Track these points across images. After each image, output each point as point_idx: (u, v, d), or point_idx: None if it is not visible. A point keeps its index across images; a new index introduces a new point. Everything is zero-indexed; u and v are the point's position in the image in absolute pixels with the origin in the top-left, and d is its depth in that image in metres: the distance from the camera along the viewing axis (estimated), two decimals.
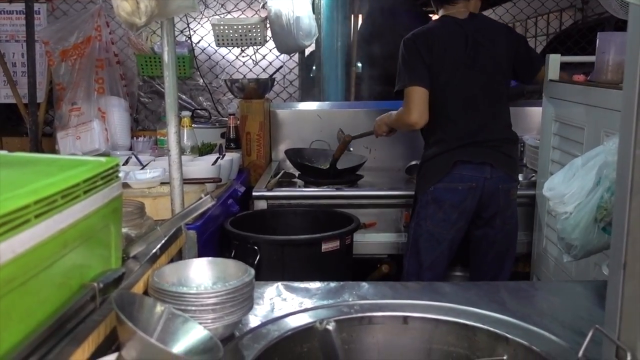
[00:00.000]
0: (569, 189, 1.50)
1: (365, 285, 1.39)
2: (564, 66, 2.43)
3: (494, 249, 2.35)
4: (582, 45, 3.65)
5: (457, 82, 2.29)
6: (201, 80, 3.58)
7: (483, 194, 2.25)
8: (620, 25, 2.96)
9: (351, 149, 2.98)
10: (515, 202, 2.36)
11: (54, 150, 3.18)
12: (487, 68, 2.32)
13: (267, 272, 2.17)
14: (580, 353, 0.98)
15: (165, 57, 1.40)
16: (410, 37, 2.35)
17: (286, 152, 3.04)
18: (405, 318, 1.21)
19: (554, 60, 2.41)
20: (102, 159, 0.98)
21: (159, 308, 0.97)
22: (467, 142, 2.25)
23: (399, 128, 2.54)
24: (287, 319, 1.20)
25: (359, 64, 3.67)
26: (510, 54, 2.37)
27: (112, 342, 0.94)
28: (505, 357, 1.12)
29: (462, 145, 2.25)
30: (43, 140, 3.26)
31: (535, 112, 3.09)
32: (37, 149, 3.12)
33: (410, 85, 2.27)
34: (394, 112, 2.47)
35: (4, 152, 1.00)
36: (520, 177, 2.81)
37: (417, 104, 2.26)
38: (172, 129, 1.43)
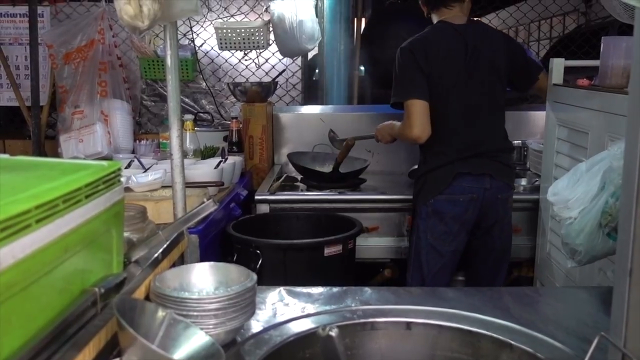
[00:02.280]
0: (573, 194, 1.49)
1: (368, 290, 1.38)
2: (567, 70, 2.42)
3: (492, 256, 2.34)
4: (585, 49, 3.64)
5: (457, 92, 2.25)
6: (204, 84, 3.58)
7: (483, 205, 2.24)
8: (625, 29, 2.95)
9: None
10: (511, 209, 2.36)
11: (56, 153, 3.17)
12: (487, 77, 2.28)
13: (269, 277, 2.16)
14: None
15: (168, 60, 1.40)
16: (407, 46, 2.28)
17: (289, 155, 3.04)
18: (408, 324, 1.21)
19: (558, 65, 2.40)
20: (104, 163, 0.98)
21: (161, 313, 0.96)
22: (467, 154, 2.23)
23: (402, 141, 2.51)
24: (290, 325, 1.19)
25: (362, 68, 3.67)
26: (508, 62, 2.33)
27: (113, 348, 0.93)
28: None
29: (463, 157, 2.23)
30: (46, 143, 3.27)
31: (538, 117, 3.08)
32: (40, 151, 3.13)
33: (410, 99, 2.23)
34: (397, 123, 2.44)
35: (5, 156, 0.99)
36: (523, 182, 2.81)
37: (418, 118, 2.21)
38: (174, 132, 1.43)
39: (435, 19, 2.37)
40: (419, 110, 2.21)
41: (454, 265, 2.32)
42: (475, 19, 2.41)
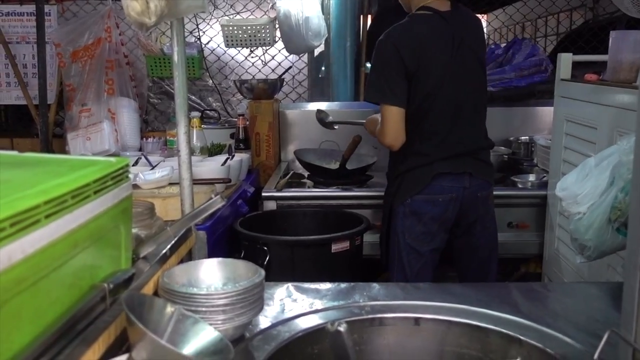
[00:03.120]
0: (582, 189, 1.48)
1: (376, 286, 1.38)
2: (575, 66, 2.41)
3: (477, 256, 2.24)
4: (593, 44, 3.62)
5: (444, 91, 2.09)
6: (210, 81, 3.59)
7: (462, 204, 2.14)
8: (633, 24, 2.93)
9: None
10: (493, 205, 2.26)
11: (64, 151, 3.19)
12: (473, 73, 2.15)
13: (277, 273, 2.16)
14: (596, 355, 0.96)
15: (175, 57, 1.40)
16: (391, 40, 2.08)
17: (295, 152, 3.03)
18: (416, 319, 1.20)
19: (566, 60, 2.39)
20: (112, 159, 0.98)
21: (169, 309, 0.96)
22: (449, 154, 2.12)
23: (377, 137, 2.33)
24: (298, 320, 1.19)
25: (368, 64, 3.66)
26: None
27: (122, 343, 0.93)
28: (518, 359, 1.10)
29: (444, 158, 2.12)
30: (53, 141, 3.28)
31: (546, 112, 3.06)
32: (48, 149, 3.14)
33: (386, 104, 2.09)
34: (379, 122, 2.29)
35: (14, 153, 0.99)
36: (531, 178, 2.79)
37: (392, 127, 2.09)
38: (181, 129, 1.43)
39: (415, 4, 2.17)
40: (394, 119, 2.08)
41: (435, 262, 2.23)
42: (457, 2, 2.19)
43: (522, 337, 1.11)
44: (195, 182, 1.86)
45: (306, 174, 2.94)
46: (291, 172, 2.95)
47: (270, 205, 2.64)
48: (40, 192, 0.75)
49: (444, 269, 2.47)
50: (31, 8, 3.31)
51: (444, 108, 2.11)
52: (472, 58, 2.13)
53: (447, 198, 2.12)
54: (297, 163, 3.03)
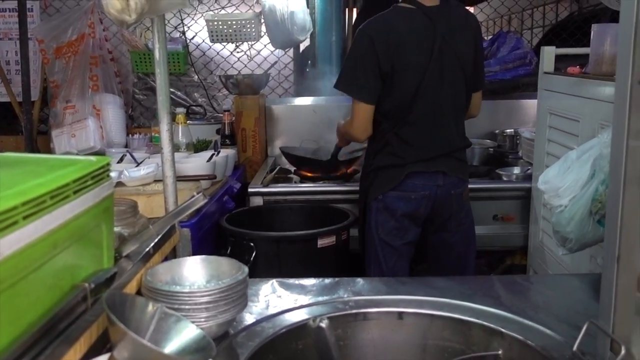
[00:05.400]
0: (563, 182, 1.50)
1: (360, 281, 1.39)
2: (560, 58, 2.42)
3: (454, 252, 2.23)
4: (577, 36, 3.64)
5: (423, 95, 2.05)
6: (196, 77, 3.57)
7: (436, 202, 2.13)
8: (616, 17, 2.94)
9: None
10: (469, 201, 2.25)
11: (49, 149, 3.17)
12: (454, 75, 2.08)
13: (264, 269, 2.16)
14: (575, 347, 0.98)
15: (157, 54, 1.39)
16: (367, 31, 2.05)
17: (281, 149, 3.02)
18: (400, 314, 1.21)
19: (549, 53, 2.40)
20: (93, 158, 0.98)
21: (151, 307, 0.96)
22: (423, 157, 2.10)
23: (346, 136, 2.37)
24: (282, 316, 1.20)
25: None
26: (472, 58, 2.13)
27: (105, 343, 0.93)
28: (500, 352, 1.12)
29: (418, 160, 2.10)
30: (38, 138, 3.25)
31: (530, 105, 3.08)
32: (32, 147, 3.11)
33: (356, 99, 2.09)
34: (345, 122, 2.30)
35: None
36: (516, 170, 2.81)
37: (360, 120, 2.10)
38: (164, 126, 1.42)
39: None
40: (362, 115, 2.09)
41: (410, 255, 2.23)
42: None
43: (503, 330, 1.12)
44: (181, 178, 1.85)
45: (293, 169, 2.94)
46: (278, 168, 2.95)
47: (257, 201, 2.64)
48: (18, 193, 0.75)
49: (420, 267, 2.48)
50: (13, 4, 3.27)
51: (422, 111, 2.08)
52: (453, 58, 2.06)
53: (419, 196, 2.11)
54: (284, 158, 3.02)
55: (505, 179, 2.73)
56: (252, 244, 2.18)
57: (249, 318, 1.19)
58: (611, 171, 0.91)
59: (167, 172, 1.44)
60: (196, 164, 2.38)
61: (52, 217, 0.81)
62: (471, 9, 4.68)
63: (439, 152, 2.12)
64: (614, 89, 0.90)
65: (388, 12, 2.10)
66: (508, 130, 3.18)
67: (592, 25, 2.08)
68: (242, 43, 3.42)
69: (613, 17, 3.13)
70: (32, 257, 0.77)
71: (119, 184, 2.03)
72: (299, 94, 3.52)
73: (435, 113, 2.09)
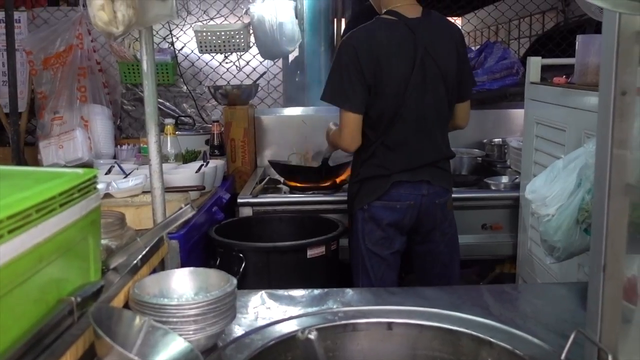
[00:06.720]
0: (550, 191, 1.51)
1: (349, 291, 1.39)
2: (547, 68, 2.44)
3: (439, 261, 2.25)
4: (563, 47, 3.68)
5: (406, 105, 2.07)
6: (185, 87, 3.56)
7: (420, 211, 2.15)
8: (601, 28, 2.98)
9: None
10: (452, 211, 2.27)
11: (36, 160, 3.14)
12: (436, 86, 2.10)
13: (253, 280, 2.16)
14: (563, 356, 0.98)
15: (145, 66, 1.39)
16: (351, 42, 2.08)
17: (270, 162, 3.01)
18: (389, 324, 1.21)
19: (535, 63, 2.42)
20: (80, 170, 0.97)
21: (139, 321, 0.96)
22: (408, 167, 2.12)
23: (335, 146, 2.37)
24: (271, 328, 1.19)
25: None
26: (456, 70, 2.15)
27: (91, 358, 0.92)
28: None
29: (403, 170, 2.12)
30: (25, 149, 3.23)
31: (518, 114, 3.10)
32: (20, 158, 3.08)
33: (344, 109, 2.10)
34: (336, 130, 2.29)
35: None
36: (504, 180, 2.83)
37: (349, 131, 2.11)
38: (152, 137, 1.42)
39: (385, 5, 2.14)
40: (351, 125, 2.10)
41: (397, 264, 2.24)
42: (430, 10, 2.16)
43: (492, 340, 1.12)
44: (169, 190, 1.85)
45: (282, 179, 2.93)
46: (267, 178, 2.95)
47: (247, 212, 2.64)
48: (3, 206, 0.75)
49: (410, 277, 2.48)
50: (0, 15, 3.26)
51: (406, 122, 2.10)
52: (434, 70, 2.08)
53: (404, 205, 2.13)
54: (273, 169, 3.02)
55: (493, 188, 2.75)
56: (241, 255, 2.17)
57: (237, 330, 1.18)
58: (596, 180, 0.92)
59: (155, 183, 1.44)
60: (185, 175, 2.37)
61: (37, 230, 0.80)
62: (458, 20, 4.73)
63: (424, 162, 2.14)
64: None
65: (370, 23, 2.12)
66: (496, 140, 3.21)
67: (578, 36, 2.10)
68: (231, 54, 3.43)
69: (598, 28, 3.15)
70: (17, 271, 0.77)
71: (107, 195, 2.02)
72: (288, 104, 3.52)
73: (419, 123, 2.12)
